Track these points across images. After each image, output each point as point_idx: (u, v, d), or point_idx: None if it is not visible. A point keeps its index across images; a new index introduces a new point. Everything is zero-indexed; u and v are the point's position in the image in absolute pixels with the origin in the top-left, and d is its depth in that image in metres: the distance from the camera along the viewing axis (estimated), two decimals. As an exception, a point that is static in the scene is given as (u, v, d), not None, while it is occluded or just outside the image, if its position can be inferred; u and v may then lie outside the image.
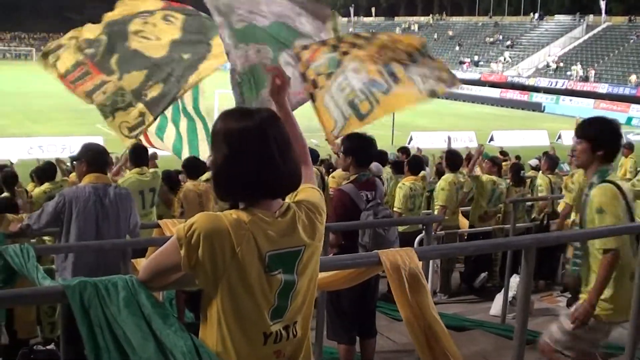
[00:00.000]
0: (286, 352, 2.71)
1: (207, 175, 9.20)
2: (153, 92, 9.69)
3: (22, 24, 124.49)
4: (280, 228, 2.63)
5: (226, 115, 2.73)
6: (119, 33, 9.41)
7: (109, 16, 9.51)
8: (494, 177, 10.37)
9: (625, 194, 4.57)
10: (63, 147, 26.99)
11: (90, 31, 9.38)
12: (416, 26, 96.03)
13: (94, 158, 5.84)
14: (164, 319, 2.72)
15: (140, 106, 9.67)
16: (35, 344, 6.58)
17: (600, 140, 4.66)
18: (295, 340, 2.74)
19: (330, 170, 11.23)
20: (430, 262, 8.43)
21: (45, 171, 10.35)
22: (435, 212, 10.06)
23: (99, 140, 16.10)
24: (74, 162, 6.36)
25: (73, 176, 9.94)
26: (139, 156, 8.63)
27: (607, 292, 4.54)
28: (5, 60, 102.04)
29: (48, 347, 6.38)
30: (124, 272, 5.32)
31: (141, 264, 5.68)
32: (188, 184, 8.97)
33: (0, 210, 7.18)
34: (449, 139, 13.35)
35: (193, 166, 9.27)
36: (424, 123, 39.37)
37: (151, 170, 8.75)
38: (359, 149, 6.09)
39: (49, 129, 33.37)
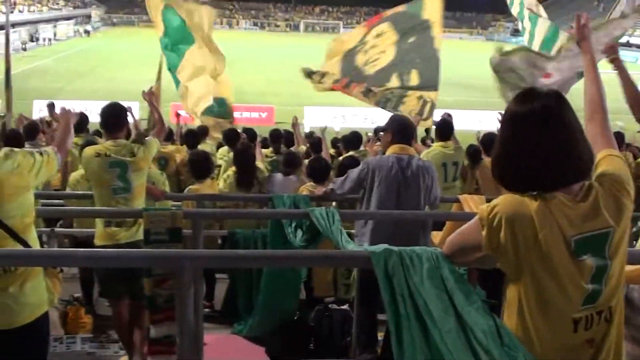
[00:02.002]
0: (597, 339, 2.57)
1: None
2: (414, 79, 10.36)
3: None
4: (583, 211, 2.49)
5: (515, 96, 2.68)
6: (354, 71, 10.56)
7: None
8: None
9: None
10: (365, 118, 27.98)
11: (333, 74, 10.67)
12: None
13: (400, 130, 5.93)
14: (466, 296, 2.71)
15: (411, 92, 10.35)
16: (330, 302, 6.86)
17: None
18: (606, 325, 2.58)
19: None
20: None
21: (350, 140, 10.77)
22: None
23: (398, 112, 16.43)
24: (380, 133, 6.54)
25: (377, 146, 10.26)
26: (444, 130, 8.74)
27: None
28: (313, 33, 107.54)
29: (342, 307, 6.62)
30: (423, 243, 5.39)
31: (437, 237, 5.73)
32: (485, 160, 8.92)
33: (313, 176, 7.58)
34: None
35: (490, 142, 9.18)
36: None
37: (454, 144, 8.80)
38: None
39: (352, 100, 34.62)
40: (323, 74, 11.11)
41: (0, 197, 3.48)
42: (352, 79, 10.90)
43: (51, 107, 13.76)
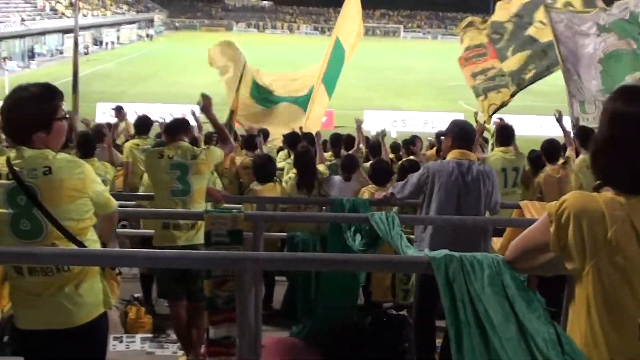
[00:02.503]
0: None
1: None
2: (529, 75, 10.11)
3: (391, 1, 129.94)
4: None
5: (618, 96, 2.57)
6: (522, 24, 10.26)
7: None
8: None
9: None
10: (425, 122, 27.86)
11: (501, 14, 10.42)
12: None
13: (460, 134, 5.87)
14: (528, 303, 2.67)
15: (513, 88, 10.16)
16: (389, 308, 6.84)
17: None
18: None
19: None
20: None
21: (408, 142, 10.77)
22: None
23: (459, 117, 16.39)
24: (441, 137, 6.51)
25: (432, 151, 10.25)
26: (504, 135, 8.72)
27: None
28: (374, 37, 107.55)
29: (400, 312, 6.59)
30: (484, 249, 5.33)
31: (497, 243, 5.67)
32: (547, 168, 8.82)
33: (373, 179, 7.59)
34: None
35: (552, 149, 9.09)
36: None
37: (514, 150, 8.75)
38: None
39: (412, 104, 34.54)
40: (471, 24, 10.99)
41: (59, 198, 3.51)
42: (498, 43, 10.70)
43: (119, 109, 14.10)
